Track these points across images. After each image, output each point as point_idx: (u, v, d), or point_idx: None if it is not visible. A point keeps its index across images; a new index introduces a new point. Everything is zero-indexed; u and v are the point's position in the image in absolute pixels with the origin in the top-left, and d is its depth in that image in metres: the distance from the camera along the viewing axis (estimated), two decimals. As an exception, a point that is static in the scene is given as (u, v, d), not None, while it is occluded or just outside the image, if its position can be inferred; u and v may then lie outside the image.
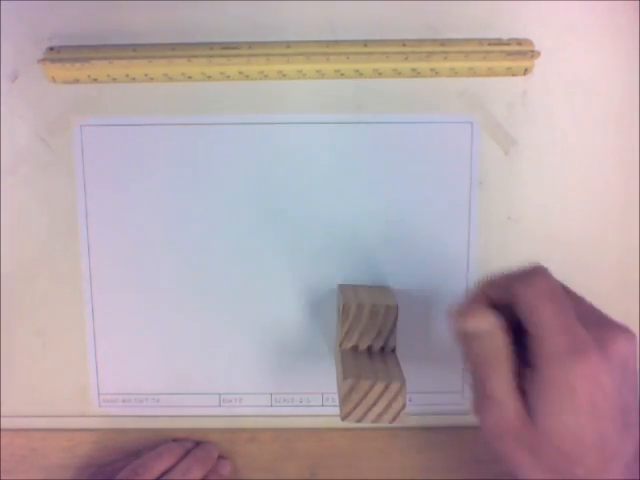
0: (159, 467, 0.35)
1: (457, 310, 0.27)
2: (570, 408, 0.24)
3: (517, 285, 0.26)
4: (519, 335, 0.26)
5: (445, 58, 0.35)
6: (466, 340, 0.27)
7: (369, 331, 0.33)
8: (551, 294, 0.25)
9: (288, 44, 0.35)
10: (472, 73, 0.36)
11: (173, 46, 0.35)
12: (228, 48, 0.35)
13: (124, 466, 0.35)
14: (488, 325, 0.26)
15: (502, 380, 0.26)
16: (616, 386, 0.24)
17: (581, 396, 0.24)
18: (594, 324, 0.25)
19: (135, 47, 0.35)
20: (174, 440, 0.38)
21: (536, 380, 0.25)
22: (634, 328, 0.38)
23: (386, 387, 0.30)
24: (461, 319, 0.27)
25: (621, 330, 0.26)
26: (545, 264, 0.38)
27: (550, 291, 0.26)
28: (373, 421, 0.30)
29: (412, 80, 0.36)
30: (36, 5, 0.35)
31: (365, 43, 0.35)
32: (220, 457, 0.38)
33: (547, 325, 0.25)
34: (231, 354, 0.38)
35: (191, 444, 0.38)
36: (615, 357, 0.24)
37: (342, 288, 0.36)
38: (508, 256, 0.38)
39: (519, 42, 0.35)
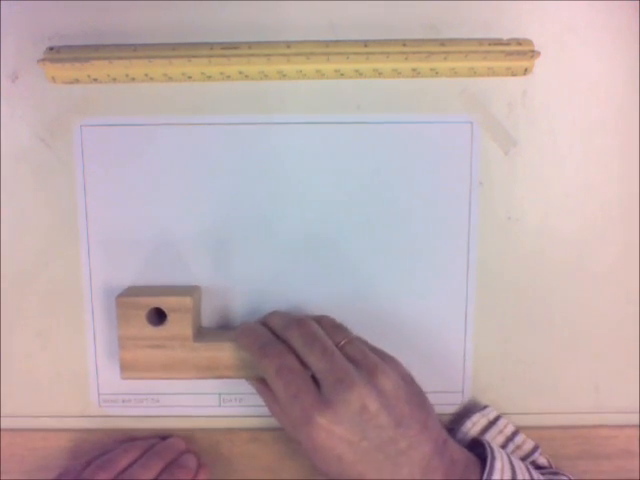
0: (123, 462, 0.35)
1: None
2: (319, 457, 0.30)
3: (285, 332, 0.33)
4: None
5: (445, 58, 0.35)
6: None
7: None
8: (276, 374, 0.31)
9: (288, 44, 0.35)
10: (472, 73, 0.36)
11: (173, 46, 0.35)
12: (228, 48, 0.35)
13: (89, 462, 0.35)
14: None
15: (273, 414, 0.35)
16: (352, 432, 0.30)
17: (320, 450, 0.30)
18: (365, 364, 0.32)
19: (135, 47, 0.35)
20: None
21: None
22: (634, 327, 0.39)
23: None
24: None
25: (350, 384, 0.30)
26: (545, 263, 0.38)
27: (275, 372, 0.31)
28: None
29: (412, 80, 0.36)
30: (36, 5, 0.36)
31: (365, 43, 0.35)
32: (187, 452, 0.38)
33: (279, 398, 0.31)
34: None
35: (157, 440, 0.38)
36: (347, 412, 0.30)
37: None
38: (508, 256, 0.38)
39: (519, 42, 0.35)
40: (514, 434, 0.37)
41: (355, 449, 0.30)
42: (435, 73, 0.35)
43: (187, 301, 0.35)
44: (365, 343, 0.34)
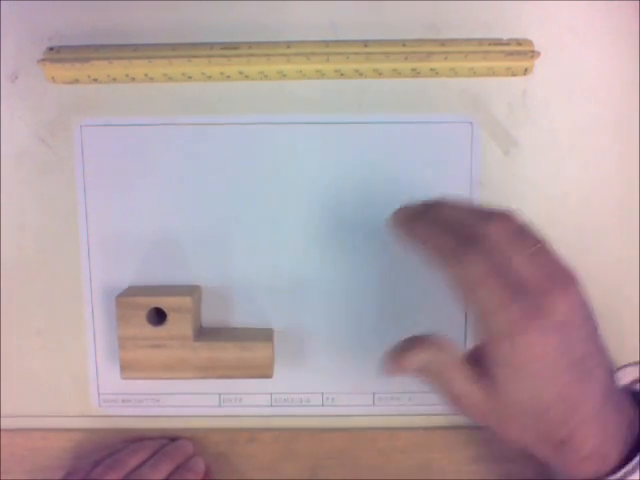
0: (132, 462, 0.35)
1: (392, 360, 0.29)
2: (521, 376, 0.26)
3: (480, 227, 0.28)
4: None
5: (445, 58, 0.35)
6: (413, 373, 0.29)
7: None
8: (486, 274, 0.27)
9: (288, 44, 0.35)
10: (472, 73, 0.36)
11: (173, 46, 0.35)
12: (228, 48, 0.35)
13: (97, 461, 0.35)
14: (419, 363, 0.28)
15: (455, 384, 0.28)
16: (562, 343, 0.26)
17: (528, 364, 0.26)
18: (536, 289, 0.27)
19: (135, 47, 0.35)
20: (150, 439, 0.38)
21: (486, 357, 0.27)
22: (634, 328, 0.39)
23: None
24: (398, 366, 0.29)
25: (561, 290, 0.27)
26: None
27: (485, 272, 0.27)
28: None
29: (412, 80, 0.36)
30: (36, 5, 0.35)
31: (365, 43, 0.35)
32: (195, 455, 0.38)
33: (485, 306, 0.27)
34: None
35: (166, 441, 0.38)
36: (555, 319, 0.26)
37: None
38: (508, 256, 0.38)
39: (519, 42, 0.35)
40: None
41: (559, 362, 0.27)
42: (435, 73, 0.35)
43: (187, 301, 0.35)
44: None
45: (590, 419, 0.27)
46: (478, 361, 0.28)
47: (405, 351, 0.29)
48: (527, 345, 0.26)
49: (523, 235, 0.28)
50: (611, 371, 0.29)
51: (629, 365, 0.35)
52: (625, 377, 0.34)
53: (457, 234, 0.28)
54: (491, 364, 0.27)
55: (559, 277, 0.27)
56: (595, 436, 0.27)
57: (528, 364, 0.26)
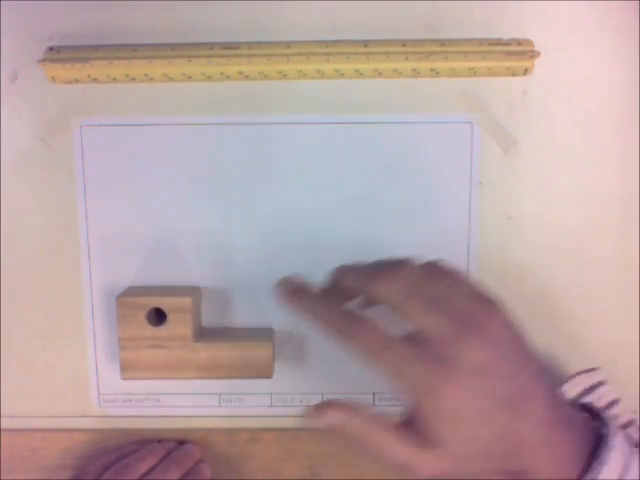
0: (142, 468, 0.35)
1: (311, 412, 0.28)
2: (454, 426, 0.26)
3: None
4: None
5: (445, 58, 0.35)
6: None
7: None
8: (380, 342, 0.27)
9: (288, 44, 0.35)
10: (472, 73, 0.36)
11: (173, 46, 0.35)
12: (228, 48, 0.35)
13: (106, 464, 0.36)
14: (338, 419, 0.27)
15: (396, 452, 0.27)
16: (483, 386, 0.26)
17: (455, 413, 0.26)
18: (440, 340, 0.26)
19: (135, 47, 0.35)
20: (158, 441, 0.38)
21: (416, 417, 0.27)
22: (634, 329, 0.38)
23: None
24: (316, 419, 0.28)
25: (470, 334, 0.26)
26: (545, 264, 0.38)
27: (378, 340, 0.27)
28: None
29: (412, 80, 0.36)
30: (36, 5, 0.35)
31: (365, 43, 0.35)
32: (201, 461, 0.38)
33: (393, 371, 0.27)
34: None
35: (173, 445, 0.38)
36: (468, 365, 0.26)
37: None
38: (508, 256, 0.38)
39: (519, 42, 0.35)
40: (611, 403, 0.34)
41: (486, 404, 0.26)
42: (435, 73, 0.35)
43: (187, 301, 0.35)
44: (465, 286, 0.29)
45: (538, 447, 0.27)
46: (412, 423, 0.27)
47: (319, 409, 0.28)
48: (448, 396, 0.26)
49: (420, 284, 0.28)
50: (550, 394, 0.28)
51: (581, 373, 0.35)
52: (575, 388, 0.34)
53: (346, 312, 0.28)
54: (422, 422, 0.26)
55: (466, 320, 0.27)
56: (549, 460, 0.27)
57: (456, 413, 0.26)
